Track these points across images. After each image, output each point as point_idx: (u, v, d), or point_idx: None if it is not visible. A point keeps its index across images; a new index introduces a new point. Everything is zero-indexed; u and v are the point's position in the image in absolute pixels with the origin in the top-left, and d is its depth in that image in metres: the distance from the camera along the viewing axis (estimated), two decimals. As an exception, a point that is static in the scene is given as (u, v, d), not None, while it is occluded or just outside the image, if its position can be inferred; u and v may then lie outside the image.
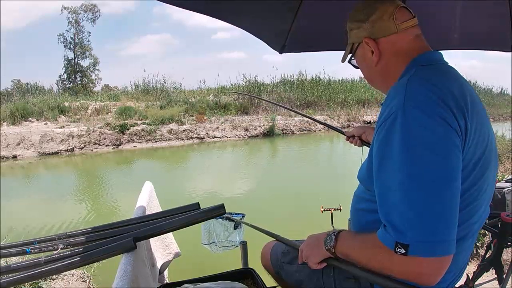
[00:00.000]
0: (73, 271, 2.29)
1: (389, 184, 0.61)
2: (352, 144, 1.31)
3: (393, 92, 0.67)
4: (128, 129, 9.98)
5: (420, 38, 0.76)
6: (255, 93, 13.67)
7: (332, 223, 1.81)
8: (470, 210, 0.67)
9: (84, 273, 2.39)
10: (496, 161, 0.73)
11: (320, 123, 1.66)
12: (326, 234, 0.78)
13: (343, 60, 0.90)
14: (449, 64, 0.74)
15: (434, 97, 0.61)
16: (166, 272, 1.56)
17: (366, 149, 1.09)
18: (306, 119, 11.95)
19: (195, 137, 10.38)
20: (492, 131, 0.73)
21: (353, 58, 0.87)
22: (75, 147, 9.27)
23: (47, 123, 10.63)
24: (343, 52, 0.89)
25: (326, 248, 0.76)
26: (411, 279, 0.61)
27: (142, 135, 9.99)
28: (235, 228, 1.51)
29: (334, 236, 0.75)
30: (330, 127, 1.56)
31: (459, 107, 0.62)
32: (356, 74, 24.22)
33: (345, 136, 1.34)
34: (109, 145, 9.56)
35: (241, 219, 1.51)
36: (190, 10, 1.04)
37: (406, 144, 0.59)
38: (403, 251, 0.58)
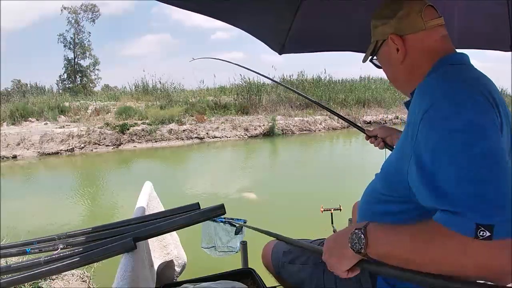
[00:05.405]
0: (73, 271, 2.29)
1: (453, 169, 0.54)
2: (373, 144, 1.23)
3: (428, 85, 0.66)
4: (128, 129, 9.97)
5: (447, 38, 0.75)
6: (253, 93, 13.53)
7: (332, 223, 1.81)
8: None
9: (84, 273, 2.39)
10: None
11: (340, 117, 1.52)
12: (349, 232, 0.65)
13: (364, 60, 0.88)
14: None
15: (475, 89, 0.60)
16: (165, 273, 1.56)
17: (388, 152, 1.07)
18: (306, 119, 11.94)
19: (195, 137, 10.38)
20: None
21: (375, 57, 0.85)
22: (75, 147, 9.26)
23: (47, 123, 10.62)
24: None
25: (355, 250, 0.63)
26: (493, 273, 0.50)
27: (142, 135, 9.98)
28: (236, 233, 1.52)
29: (362, 235, 0.62)
30: (351, 123, 1.44)
31: (496, 104, 0.61)
32: (356, 74, 24.12)
33: (365, 135, 1.27)
34: (109, 145, 9.56)
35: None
36: (190, 10, 1.03)
37: (465, 127, 0.55)
38: (488, 234, 0.48)
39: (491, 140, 0.54)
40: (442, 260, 0.53)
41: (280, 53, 1.47)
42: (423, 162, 0.58)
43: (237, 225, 1.54)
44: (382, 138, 1.20)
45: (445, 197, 0.53)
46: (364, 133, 1.28)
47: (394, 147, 0.84)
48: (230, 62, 1.79)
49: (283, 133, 11.24)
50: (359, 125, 1.45)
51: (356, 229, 0.64)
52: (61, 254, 1.03)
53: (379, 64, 0.86)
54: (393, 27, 0.76)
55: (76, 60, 22.00)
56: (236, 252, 1.53)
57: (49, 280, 2.13)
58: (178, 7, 1.00)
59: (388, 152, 1.07)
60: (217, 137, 10.57)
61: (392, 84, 0.86)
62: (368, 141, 1.25)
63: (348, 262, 0.66)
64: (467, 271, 0.51)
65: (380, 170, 0.78)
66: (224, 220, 1.59)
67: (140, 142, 9.87)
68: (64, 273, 2.19)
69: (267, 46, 1.44)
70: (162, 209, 1.54)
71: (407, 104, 0.79)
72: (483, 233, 0.48)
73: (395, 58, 0.77)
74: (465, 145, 0.54)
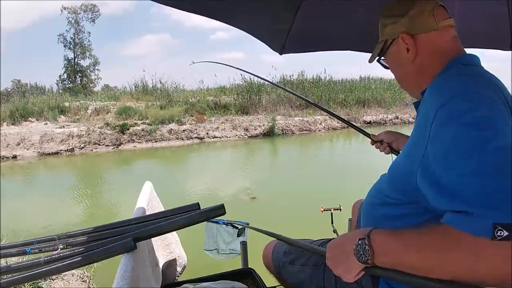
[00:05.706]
0: (73, 271, 2.29)
1: (466, 166, 0.52)
2: (378, 149, 1.21)
3: (441, 84, 0.65)
4: (128, 129, 9.97)
5: (457, 39, 0.74)
6: (253, 93, 13.53)
7: (332, 223, 1.81)
8: None
9: (84, 273, 2.39)
10: None
11: (345, 121, 1.51)
12: (352, 240, 0.64)
13: (371, 60, 0.87)
14: None
15: (488, 87, 0.60)
16: (165, 273, 1.56)
17: (395, 156, 1.07)
18: (306, 119, 11.94)
19: (195, 137, 10.38)
20: None
21: (382, 57, 0.84)
22: (75, 147, 9.26)
23: (47, 123, 10.62)
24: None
25: (362, 262, 0.62)
26: (509, 277, 0.45)
27: (142, 135, 9.98)
28: (238, 235, 1.52)
29: (367, 246, 0.60)
30: (356, 128, 1.42)
31: (508, 104, 0.60)
32: (356, 74, 24.05)
33: (371, 140, 1.25)
34: (109, 145, 9.56)
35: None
36: (185, 10, 1.01)
37: (479, 124, 0.54)
38: (506, 234, 0.45)
39: (505, 136, 0.53)
40: (454, 265, 0.50)
41: (280, 53, 1.47)
42: (435, 161, 0.56)
43: (239, 227, 1.55)
44: (388, 143, 1.18)
45: (458, 196, 0.51)
46: (370, 138, 1.26)
47: (401, 151, 0.83)
48: (231, 66, 1.79)
49: (283, 133, 11.24)
50: (359, 125, 1.43)
51: (359, 239, 0.62)
52: (61, 254, 1.03)
53: (386, 64, 0.85)
54: (404, 26, 0.75)
55: (76, 60, 22.05)
56: (238, 254, 1.53)
57: (49, 280, 2.13)
58: (172, 7, 0.99)
59: (395, 157, 1.07)
60: (217, 137, 10.57)
61: (400, 84, 0.85)
62: (374, 146, 1.23)
63: (355, 270, 0.65)
64: (480, 276, 0.48)
65: (387, 173, 0.77)
66: (226, 222, 1.59)
67: (140, 142, 9.87)
68: (64, 273, 2.19)
69: (267, 46, 1.44)
70: (162, 209, 1.54)
71: (416, 105, 0.78)
72: (501, 233, 0.45)
73: (405, 57, 0.76)
74: (480, 141, 0.52)
